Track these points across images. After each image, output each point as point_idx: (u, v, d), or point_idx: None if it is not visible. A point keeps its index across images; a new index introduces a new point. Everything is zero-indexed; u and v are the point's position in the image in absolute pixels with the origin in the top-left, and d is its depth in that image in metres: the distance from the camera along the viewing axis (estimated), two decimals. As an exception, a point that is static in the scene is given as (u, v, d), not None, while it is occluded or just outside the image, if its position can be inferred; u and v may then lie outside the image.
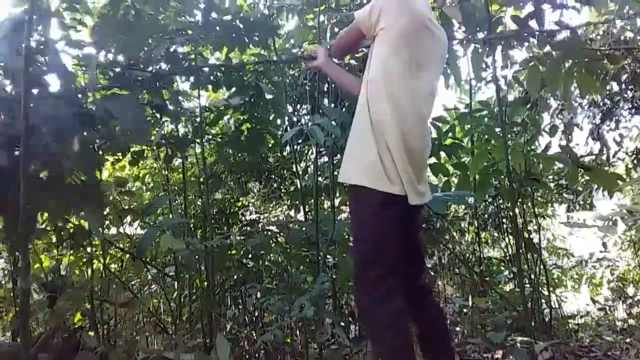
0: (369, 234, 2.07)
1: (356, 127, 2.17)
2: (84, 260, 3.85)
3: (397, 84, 2.07)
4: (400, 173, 2.03)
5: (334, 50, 2.51)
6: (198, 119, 4.20)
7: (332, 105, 3.79)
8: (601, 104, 5.51)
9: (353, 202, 2.20)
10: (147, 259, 4.34)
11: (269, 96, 4.25)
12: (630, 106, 5.43)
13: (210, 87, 4.17)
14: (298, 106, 4.49)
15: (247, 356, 4.12)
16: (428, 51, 2.16)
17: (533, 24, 3.54)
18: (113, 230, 4.09)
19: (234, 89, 4.15)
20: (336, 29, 3.94)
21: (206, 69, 3.99)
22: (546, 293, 4.76)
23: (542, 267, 4.65)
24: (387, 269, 2.02)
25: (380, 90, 2.08)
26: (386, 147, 2.03)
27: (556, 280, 6.09)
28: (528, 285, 4.56)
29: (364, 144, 2.09)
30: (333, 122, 3.49)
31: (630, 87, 5.15)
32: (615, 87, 5.24)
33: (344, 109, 3.67)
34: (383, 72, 2.09)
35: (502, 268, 5.73)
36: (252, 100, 4.15)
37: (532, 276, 4.64)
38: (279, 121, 4.48)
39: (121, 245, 4.25)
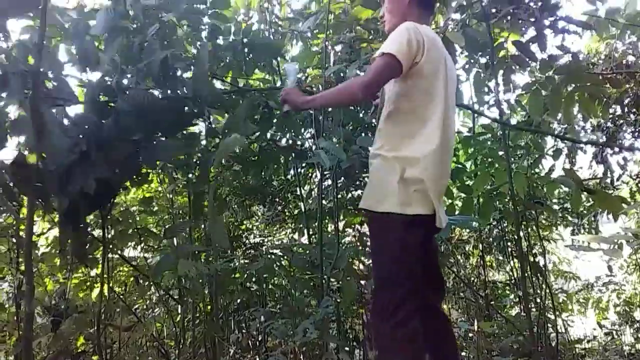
0: (391, 257, 2.08)
1: (379, 154, 2.18)
2: (88, 283, 3.85)
3: (434, 117, 2.10)
4: (431, 196, 2.05)
5: (364, 93, 2.13)
6: (204, 142, 4.22)
7: (336, 128, 3.82)
8: (604, 128, 5.52)
9: (375, 227, 2.20)
10: (154, 282, 4.33)
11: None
12: (633, 129, 5.44)
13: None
14: (302, 129, 4.51)
15: (250, 381, 4.09)
16: (449, 80, 2.19)
17: (535, 48, 3.58)
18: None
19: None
20: (339, 54, 4.00)
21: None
22: (552, 317, 4.72)
23: (547, 290, 4.62)
24: (407, 292, 2.03)
25: (413, 123, 2.10)
26: (412, 174, 2.06)
27: (562, 305, 6.04)
28: (534, 309, 4.53)
29: (387, 170, 2.11)
30: (337, 145, 3.52)
31: (633, 111, 5.17)
32: (618, 110, 5.26)
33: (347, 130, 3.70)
34: (421, 105, 2.11)
35: (508, 292, 5.69)
36: (261, 118, 4.15)
37: (538, 300, 4.60)
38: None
39: (125, 269, 4.25)
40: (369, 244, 4.41)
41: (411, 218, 2.04)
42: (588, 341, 5.94)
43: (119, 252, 3.87)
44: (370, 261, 2.39)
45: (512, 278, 5.53)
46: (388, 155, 2.12)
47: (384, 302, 2.07)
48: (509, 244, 5.35)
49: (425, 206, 2.07)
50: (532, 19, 3.46)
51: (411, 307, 2.01)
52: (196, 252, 4.15)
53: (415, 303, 2.03)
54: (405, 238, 2.05)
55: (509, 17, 3.57)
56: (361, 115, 4.12)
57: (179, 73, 3.56)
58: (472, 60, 3.86)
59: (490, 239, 5.48)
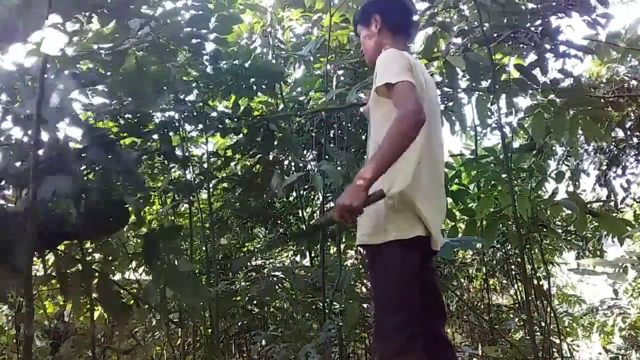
0: (390, 282, 2.06)
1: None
2: (88, 306, 3.82)
3: (418, 142, 2.08)
4: (425, 216, 2.04)
5: (419, 116, 1.97)
6: (205, 165, 4.24)
7: (339, 151, 3.83)
8: (607, 151, 5.52)
9: (372, 254, 2.17)
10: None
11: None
12: (636, 152, 5.44)
13: (218, 133, 4.22)
14: (305, 152, 4.53)
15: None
16: (431, 100, 2.21)
17: (536, 72, 3.60)
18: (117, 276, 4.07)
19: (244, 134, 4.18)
20: (342, 78, 4.02)
21: (214, 114, 4.06)
22: (557, 341, 4.66)
23: (552, 314, 4.57)
24: (408, 316, 2.00)
25: None
26: (402, 199, 2.05)
27: (567, 329, 5.97)
28: (538, 334, 4.48)
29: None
30: (338, 168, 3.52)
31: (635, 134, 5.18)
32: (621, 133, 5.27)
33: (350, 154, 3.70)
34: None
35: (512, 315, 5.64)
36: (262, 141, 4.15)
37: (543, 324, 4.55)
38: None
39: (126, 292, 4.21)
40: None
41: (407, 242, 2.03)
42: (594, 366, 5.87)
43: (110, 276, 3.83)
44: (370, 285, 2.35)
45: (516, 302, 5.48)
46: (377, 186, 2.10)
47: (385, 327, 2.05)
48: (512, 267, 5.32)
49: (419, 228, 2.05)
50: (533, 44, 3.48)
51: (412, 331, 1.99)
52: (196, 274, 4.14)
53: (416, 327, 2.01)
54: (402, 262, 2.03)
55: (509, 42, 3.59)
56: (364, 137, 4.13)
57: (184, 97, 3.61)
58: (473, 84, 3.88)
59: (494, 262, 5.45)
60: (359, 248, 4.93)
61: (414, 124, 1.92)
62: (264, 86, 3.95)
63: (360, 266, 4.63)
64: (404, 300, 2.02)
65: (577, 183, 5.65)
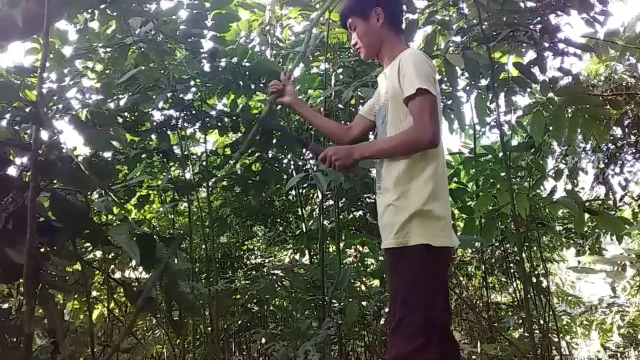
0: (421, 283, 2.02)
1: (403, 182, 2.10)
2: (87, 304, 3.82)
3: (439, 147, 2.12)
4: (447, 221, 2.08)
5: (434, 139, 2.00)
6: (204, 163, 4.24)
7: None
8: (605, 149, 5.54)
9: (399, 258, 2.11)
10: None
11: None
12: (634, 150, 5.46)
13: (217, 131, 4.22)
14: (304, 150, 4.53)
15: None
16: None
17: (535, 70, 3.61)
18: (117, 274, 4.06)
19: (242, 132, 4.18)
20: (341, 77, 4.02)
21: (213, 113, 4.06)
22: (556, 339, 4.68)
23: (551, 312, 4.58)
24: (432, 316, 2.00)
25: (420, 158, 2.08)
26: (436, 199, 2.06)
27: (566, 327, 5.99)
28: (537, 332, 4.49)
29: (404, 207, 2.06)
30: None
31: (633, 132, 5.20)
32: (619, 131, 5.29)
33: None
34: None
35: (510, 314, 5.65)
36: (261, 139, 4.15)
37: (542, 322, 4.56)
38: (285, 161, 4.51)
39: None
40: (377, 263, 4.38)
41: (438, 248, 2.04)
42: (593, 364, 5.88)
43: (108, 274, 3.84)
44: (393, 286, 2.28)
45: (515, 299, 5.49)
46: (405, 196, 2.07)
47: (409, 326, 2.01)
48: (511, 265, 5.33)
49: (446, 239, 2.07)
50: (532, 42, 3.48)
51: (433, 331, 1.99)
52: (196, 272, 4.13)
53: (436, 327, 2.01)
54: (435, 265, 2.04)
55: (508, 40, 3.59)
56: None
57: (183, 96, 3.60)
58: (472, 82, 3.88)
59: (493, 260, 5.46)
60: (359, 247, 4.94)
61: (426, 146, 2.01)
62: (262, 85, 3.96)
63: (360, 264, 4.64)
64: (431, 301, 2.02)
65: (575, 181, 5.67)
